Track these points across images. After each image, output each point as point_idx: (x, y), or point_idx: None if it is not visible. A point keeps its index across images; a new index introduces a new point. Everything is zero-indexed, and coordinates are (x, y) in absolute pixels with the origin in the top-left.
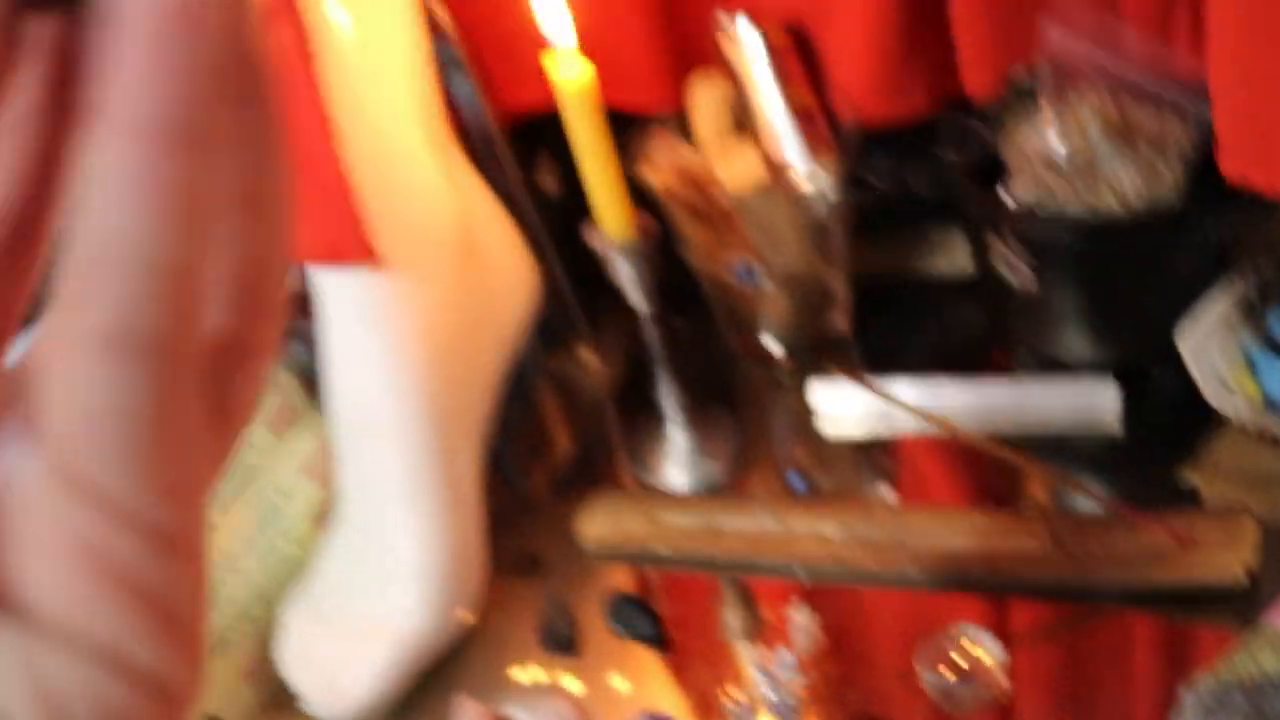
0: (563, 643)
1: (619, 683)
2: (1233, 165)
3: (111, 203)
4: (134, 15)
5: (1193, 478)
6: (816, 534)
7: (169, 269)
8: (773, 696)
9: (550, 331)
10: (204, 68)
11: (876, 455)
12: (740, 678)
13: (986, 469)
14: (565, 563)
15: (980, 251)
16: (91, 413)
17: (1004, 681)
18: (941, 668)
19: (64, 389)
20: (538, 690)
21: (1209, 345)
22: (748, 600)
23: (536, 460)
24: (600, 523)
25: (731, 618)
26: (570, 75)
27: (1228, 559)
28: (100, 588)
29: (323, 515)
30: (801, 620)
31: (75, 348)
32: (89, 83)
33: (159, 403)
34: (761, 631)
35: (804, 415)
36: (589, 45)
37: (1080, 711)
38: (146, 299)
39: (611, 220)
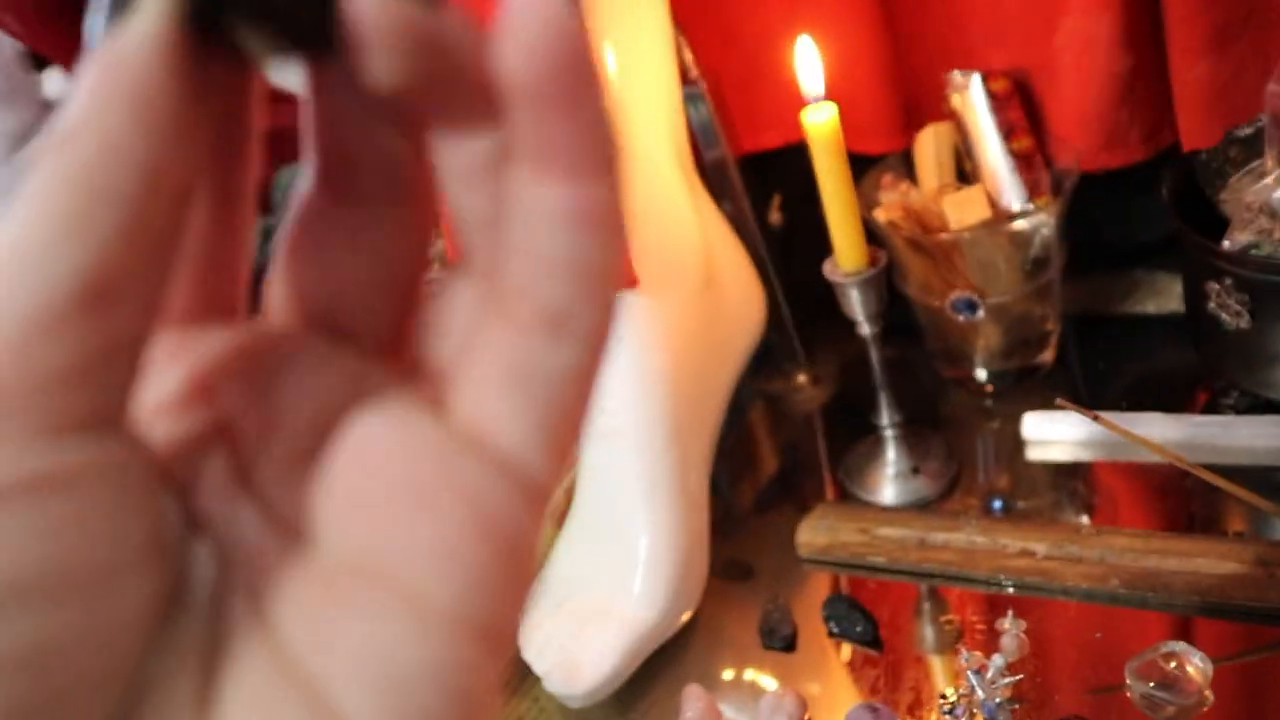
0: (783, 640)
1: (834, 682)
2: None
3: (555, 227)
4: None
5: None
6: (1023, 549)
7: (599, 274)
8: (983, 698)
9: (765, 353)
10: (598, 114)
11: (1079, 484)
12: (952, 681)
13: (1185, 499)
14: (776, 570)
15: (1193, 292)
16: (519, 375)
17: (1209, 695)
18: (1148, 680)
19: (499, 354)
20: (757, 687)
21: None
22: (954, 611)
23: (746, 474)
24: (817, 530)
25: (938, 626)
26: (819, 120)
27: None
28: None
29: (561, 516)
30: (1011, 627)
31: (519, 325)
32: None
33: (582, 378)
34: (960, 640)
35: (1009, 442)
36: (833, 93)
37: None
38: (582, 298)
39: (847, 251)
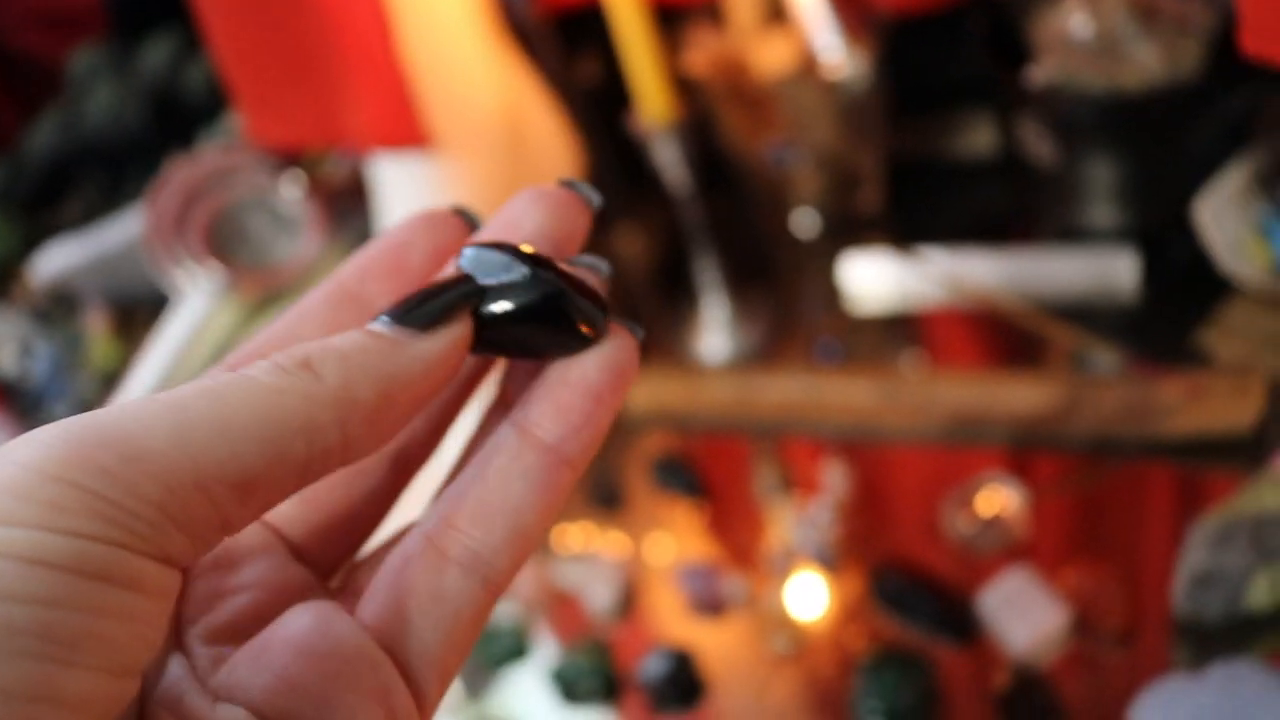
0: (609, 498)
1: (662, 537)
2: (1253, 42)
3: (511, 480)
4: (582, 386)
5: (1206, 340)
6: (847, 397)
7: (530, 535)
8: (810, 544)
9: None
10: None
11: (902, 327)
12: (777, 530)
13: (1009, 337)
14: (612, 433)
15: (1006, 131)
16: (429, 599)
17: (1023, 527)
18: (964, 514)
19: (418, 578)
20: (587, 544)
21: (1225, 215)
22: (780, 460)
23: None
24: (641, 389)
25: (766, 475)
26: None
27: (1236, 410)
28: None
29: None
30: (835, 475)
31: (443, 555)
32: (527, 404)
33: (481, 610)
34: (793, 489)
35: (835, 290)
36: None
37: (1095, 553)
38: (506, 551)
39: (652, 104)
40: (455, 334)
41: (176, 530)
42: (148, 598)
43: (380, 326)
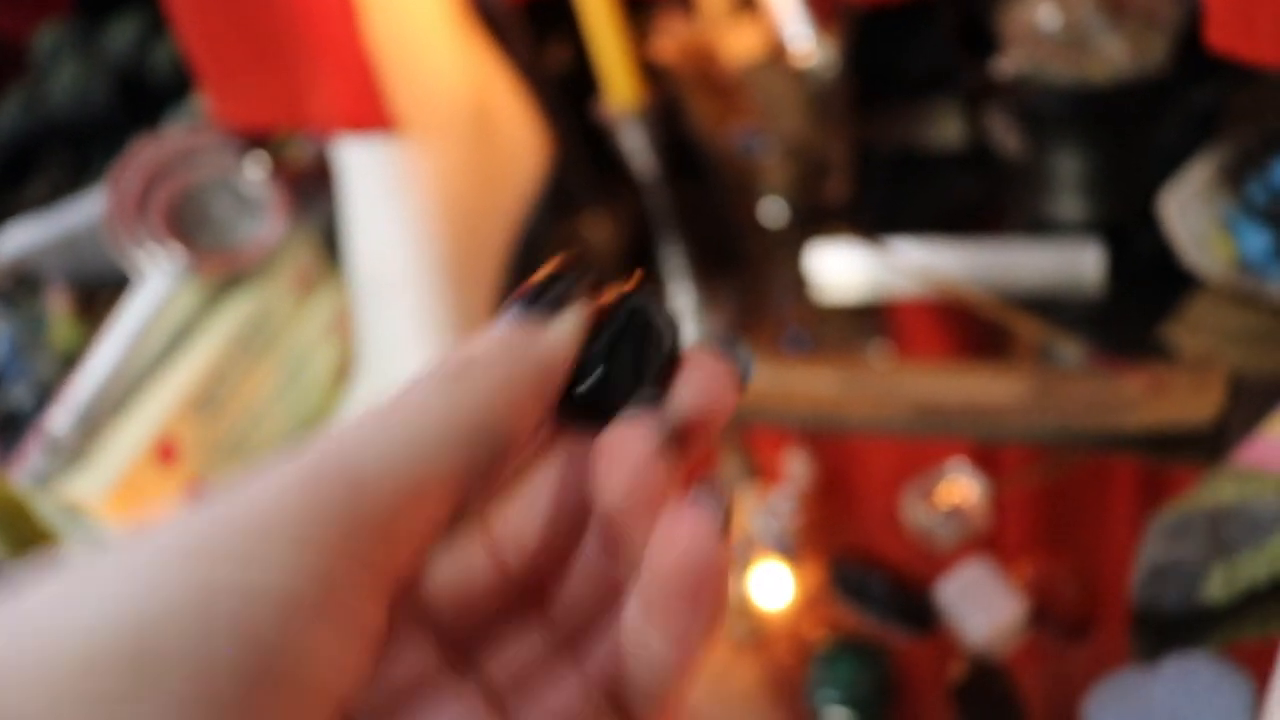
0: None
1: None
2: (1218, 37)
3: (644, 655)
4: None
5: (1170, 334)
6: (812, 387)
7: (666, 697)
8: (771, 533)
9: (560, 202)
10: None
11: (869, 317)
12: (738, 519)
13: (975, 328)
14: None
15: (974, 122)
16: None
17: (984, 518)
18: (925, 505)
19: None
20: None
21: (1190, 209)
22: (743, 448)
23: None
24: None
25: (729, 464)
26: None
27: (1197, 404)
28: None
29: (343, 371)
30: (798, 463)
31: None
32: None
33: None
34: (755, 478)
35: (802, 280)
36: None
37: (1055, 545)
38: (643, 703)
39: (619, 90)
40: (578, 316)
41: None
42: (370, 637)
43: (516, 318)
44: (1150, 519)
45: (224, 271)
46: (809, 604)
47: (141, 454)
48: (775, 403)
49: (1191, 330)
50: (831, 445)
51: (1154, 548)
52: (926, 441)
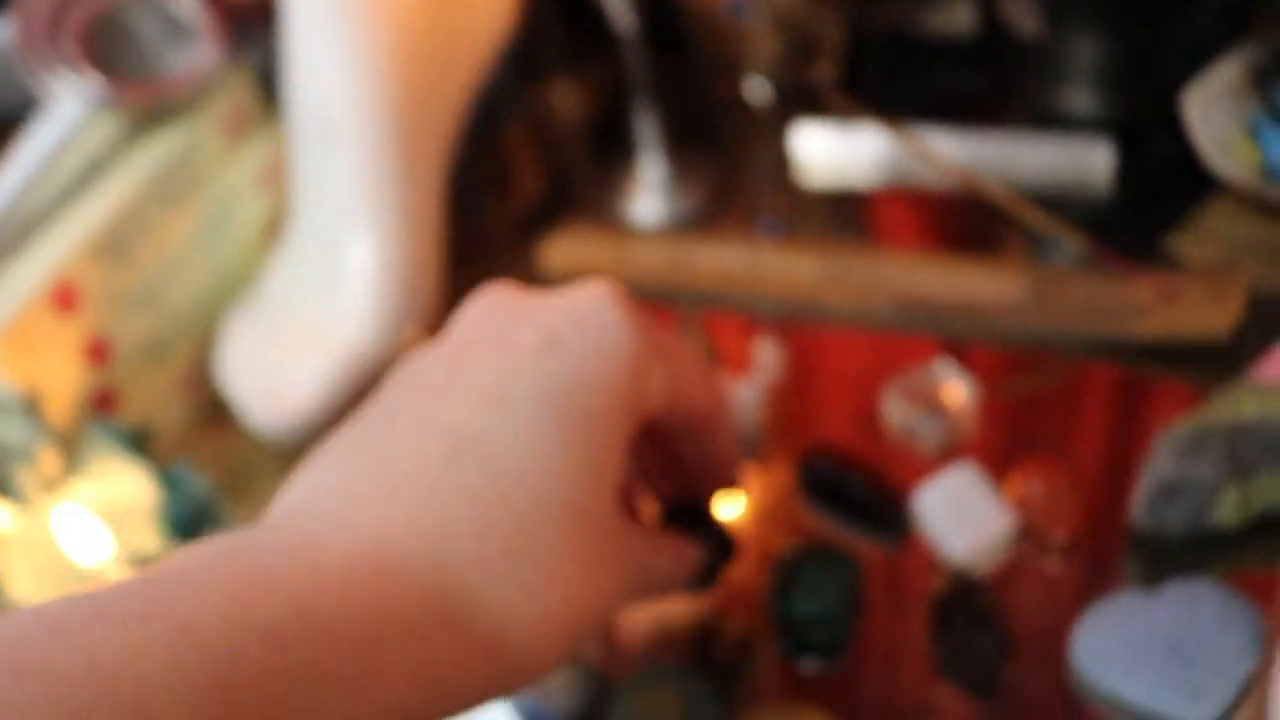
0: None
1: None
2: None
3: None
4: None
5: (1181, 243)
6: (789, 271)
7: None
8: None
9: (526, 66)
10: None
11: (852, 205)
12: None
13: (967, 223)
14: None
15: (986, 5)
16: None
17: (970, 423)
18: (908, 403)
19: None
20: None
21: (1214, 110)
22: (709, 334)
23: (501, 196)
24: (564, 252)
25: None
26: None
27: (1212, 315)
28: None
29: (274, 227)
30: (767, 353)
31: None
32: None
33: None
34: (721, 366)
35: (783, 162)
36: None
37: (1047, 458)
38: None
39: None
40: None
41: None
42: None
43: None
44: (1156, 434)
45: (145, 104)
46: (774, 507)
47: (36, 298)
48: (745, 287)
49: (1203, 241)
50: (805, 336)
51: (1163, 464)
52: (910, 338)
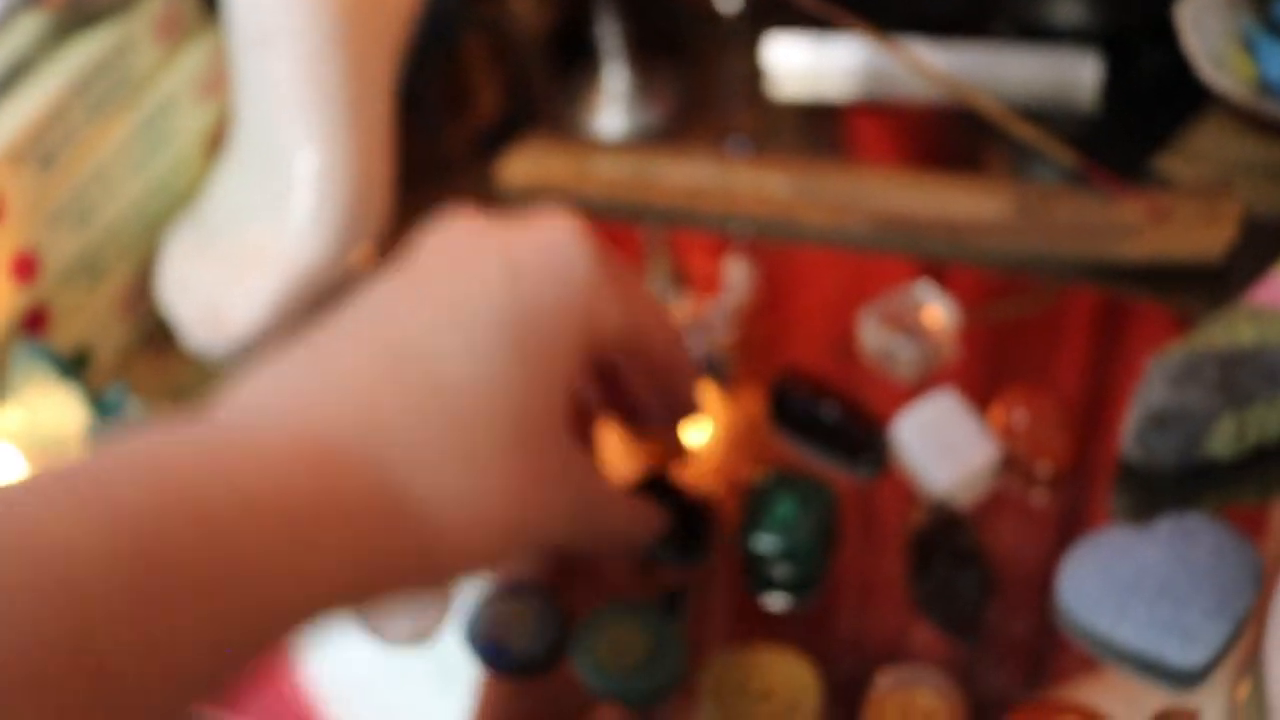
0: None
1: None
2: None
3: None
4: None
5: (1170, 162)
6: (760, 188)
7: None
8: (700, 350)
9: None
10: None
11: (826, 120)
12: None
13: (944, 138)
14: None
15: None
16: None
17: (951, 349)
18: (886, 327)
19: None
20: None
21: (1208, 21)
22: (674, 252)
23: (459, 113)
24: (524, 167)
25: (657, 268)
26: None
27: (1206, 236)
28: None
29: (215, 140)
30: (736, 273)
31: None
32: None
33: None
34: (686, 287)
35: (754, 75)
36: None
37: (1031, 386)
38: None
39: None
40: None
41: None
42: None
43: None
44: (1146, 362)
45: (71, 2)
46: (742, 435)
47: None
48: (714, 204)
49: (1193, 160)
50: (777, 256)
51: (1154, 392)
52: (888, 259)
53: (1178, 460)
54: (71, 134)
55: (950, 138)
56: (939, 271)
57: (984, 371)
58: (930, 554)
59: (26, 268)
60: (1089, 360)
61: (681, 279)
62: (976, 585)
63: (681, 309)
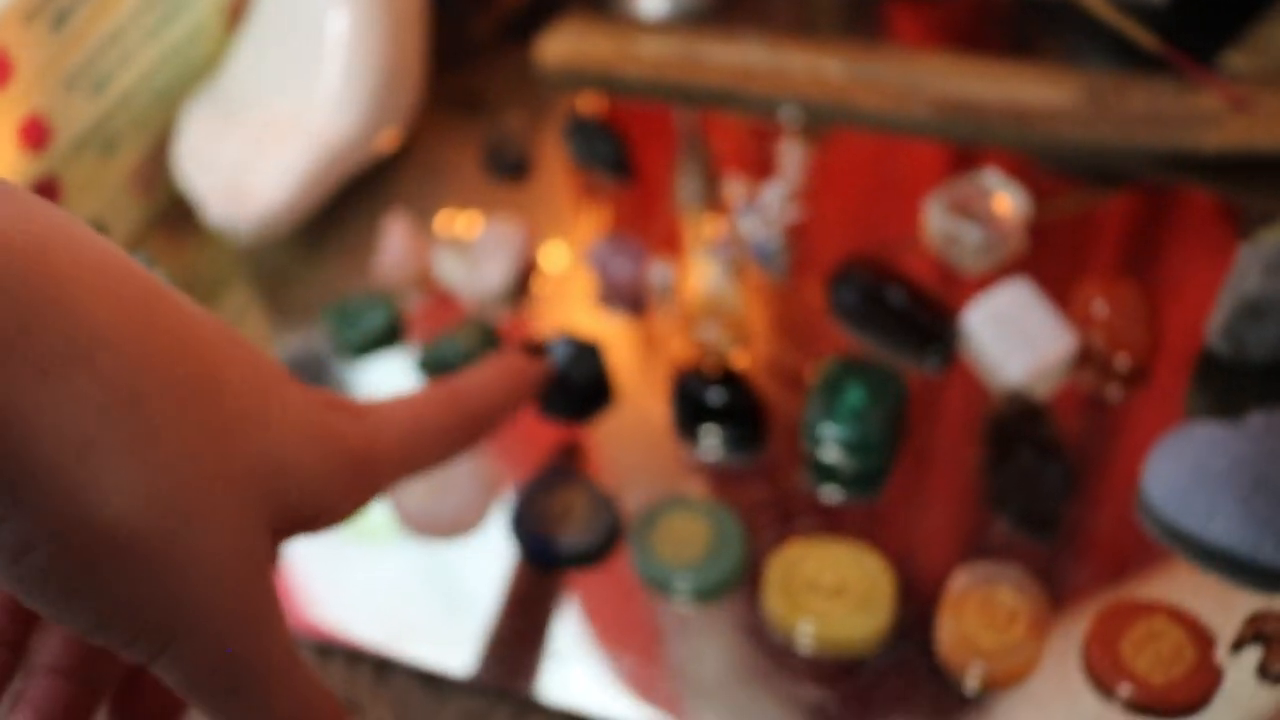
0: (512, 166)
1: (573, 214)
2: None
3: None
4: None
5: (1235, 60)
6: (816, 70)
7: None
8: (754, 235)
9: None
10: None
11: (866, 9)
12: (717, 216)
13: (1007, 24)
14: (513, 100)
15: None
16: None
17: (1023, 240)
18: (953, 213)
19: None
20: (480, 221)
21: None
22: (706, 141)
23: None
24: (563, 47)
25: (691, 159)
26: None
27: None
28: None
29: (235, 10)
30: (792, 157)
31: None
32: None
33: None
34: (735, 172)
35: None
36: None
37: (1109, 276)
38: None
39: None
40: None
41: None
42: None
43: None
44: (1233, 253)
45: None
46: (799, 328)
47: None
48: (767, 85)
49: (1257, 56)
50: (834, 141)
51: (1248, 280)
52: (952, 147)
53: (1270, 353)
54: None
55: (998, 30)
56: (1008, 162)
57: (1057, 262)
58: (1010, 446)
59: (36, 134)
60: (1168, 253)
61: (718, 169)
62: (1059, 479)
63: (733, 193)
